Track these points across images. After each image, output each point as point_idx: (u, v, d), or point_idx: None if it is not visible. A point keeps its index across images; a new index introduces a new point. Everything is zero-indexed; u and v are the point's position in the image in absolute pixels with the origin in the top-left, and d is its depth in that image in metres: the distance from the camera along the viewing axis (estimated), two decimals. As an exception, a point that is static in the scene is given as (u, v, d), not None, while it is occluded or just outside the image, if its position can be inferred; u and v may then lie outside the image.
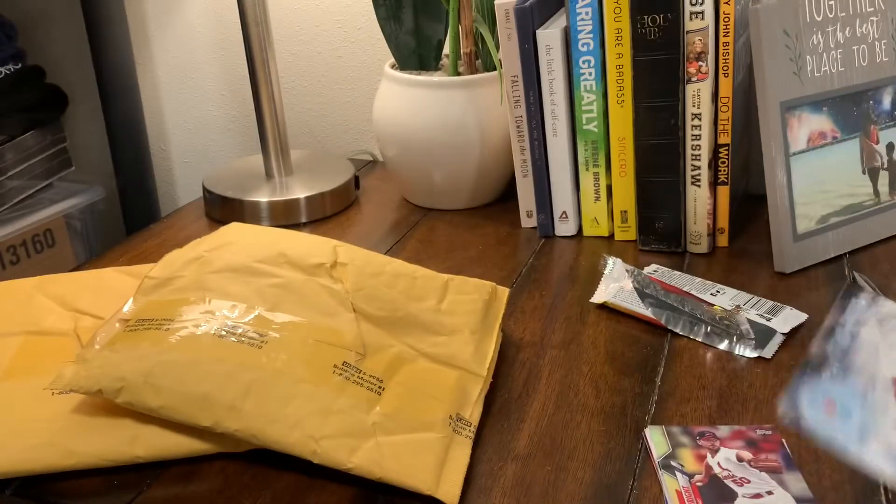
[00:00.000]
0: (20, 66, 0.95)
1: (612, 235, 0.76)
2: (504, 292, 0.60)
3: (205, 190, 0.85)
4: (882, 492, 0.44)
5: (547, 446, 0.48)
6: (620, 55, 0.69)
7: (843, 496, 0.44)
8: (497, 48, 0.74)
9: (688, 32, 0.66)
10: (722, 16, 0.65)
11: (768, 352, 0.56)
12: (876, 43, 0.68)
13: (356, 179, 0.88)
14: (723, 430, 0.48)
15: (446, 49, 0.82)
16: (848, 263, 0.68)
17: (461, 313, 0.56)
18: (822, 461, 0.46)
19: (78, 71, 1.08)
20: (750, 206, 0.80)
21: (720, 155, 0.70)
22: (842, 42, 0.67)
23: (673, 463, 0.46)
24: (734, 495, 0.43)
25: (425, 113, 0.78)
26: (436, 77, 0.79)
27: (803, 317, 0.60)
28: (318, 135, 1.05)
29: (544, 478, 0.46)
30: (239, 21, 0.83)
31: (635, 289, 0.63)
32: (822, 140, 0.68)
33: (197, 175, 1.12)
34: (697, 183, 0.70)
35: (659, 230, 0.72)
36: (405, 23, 0.82)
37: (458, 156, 0.79)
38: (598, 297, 0.64)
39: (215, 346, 0.48)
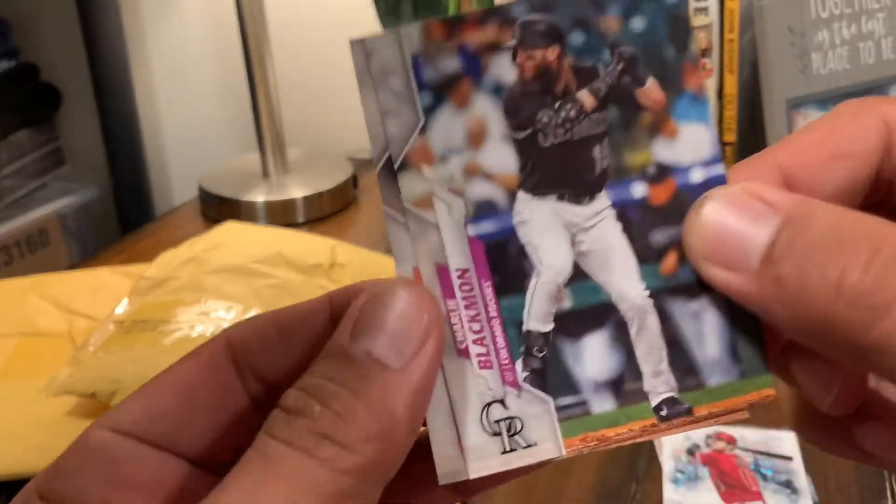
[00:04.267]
0: (14, 63, 0.94)
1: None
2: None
3: (200, 189, 0.85)
4: (889, 495, 0.44)
5: (549, 450, 0.48)
6: (622, 52, 0.68)
7: (849, 499, 0.44)
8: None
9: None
10: (727, 12, 0.65)
11: (773, 353, 0.56)
12: (882, 40, 0.68)
13: (355, 178, 0.87)
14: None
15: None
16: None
17: (462, 314, 0.55)
18: (828, 463, 0.46)
19: (72, 69, 1.07)
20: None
21: (725, 153, 0.69)
22: (847, 39, 0.66)
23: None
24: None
25: (424, 111, 0.77)
26: (435, 74, 0.78)
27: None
28: (315, 133, 1.04)
29: (546, 481, 0.45)
30: (235, 17, 0.82)
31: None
32: (826, 138, 0.67)
33: (193, 174, 1.11)
34: (700, 182, 0.69)
35: (661, 229, 0.71)
36: (405, 17, 0.81)
37: (458, 154, 0.78)
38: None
39: (211, 348, 0.48)
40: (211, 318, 0.50)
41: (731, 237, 0.17)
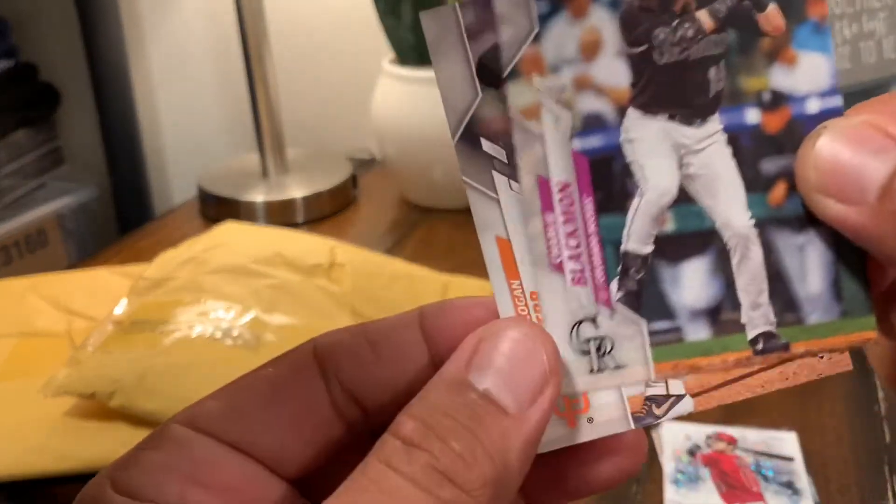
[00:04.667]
0: (13, 63, 0.94)
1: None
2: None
3: (200, 189, 0.84)
4: (890, 496, 0.44)
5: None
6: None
7: (850, 499, 0.43)
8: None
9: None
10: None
11: (774, 353, 0.55)
12: (883, 39, 0.67)
13: (354, 178, 0.87)
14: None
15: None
16: (853, 263, 0.67)
17: (462, 314, 0.55)
18: (830, 465, 0.46)
19: (71, 68, 1.06)
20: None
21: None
22: (848, 38, 0.66)
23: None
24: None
25: (425, 109, 0.77)
26: (435, 74, 0.78)
27: (809, 318, 0.59)
28: (314, 132, 1.04)
29: (547, 483, 0.45)
30: (235, 17, 0.82)
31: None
32: (827, 138, 0.67)
33: (192, 173, 1.11)
34: (701, 181, 0.69)
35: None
36: (404, 17, 0.81)
37: (458, 154, 0.78)
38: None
39: (210, 348, 0.47)
40: (210, 318, 0.49)
41: (847, 169, 0.16)
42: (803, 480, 0.44)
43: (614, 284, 0.18)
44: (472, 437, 0.16)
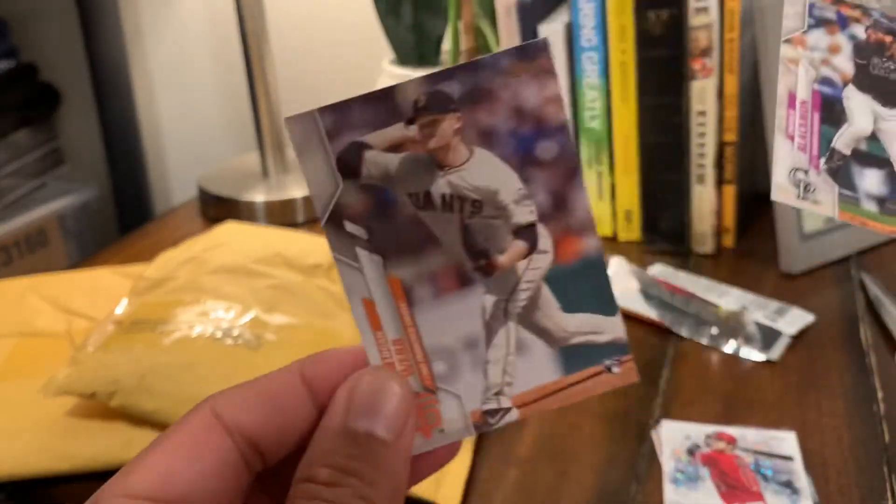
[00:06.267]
0: (13, 63, 0.94)
1: (615, 235, 0.75)
2: (505, 293, 0.59)
3: (200, 189, 0.84)
4: (889, 496, 0.44)
5: (549, 450, 0.48)
6: (624, 51, 0.68)
7: (850, 499, 0.43)
8: (498, 44, 0.73)
9: (692, 28, 0.65)
10: (727, 12, 0.64)
11: (775, 354, 0.55)
12: (883, 39, 0.67)
13: (354, 178, 0.87)
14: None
15: (446, 44, 0.81)
16: (855, 264, 0.67)
17: (462, 314, 0.55)
18: (829, 465, 0.46)
19: (71, 68, 1.06)
20: (758, 205, 0.79)
21: (725, 153, 0.69)
22: (848, 38, 0.66)
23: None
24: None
25: (424, 110, 0.77)
26: (435, 74, 0.77)
27: (810, 318, 0.59)
28: (315, 133, 1.04)
29: (546, 482, 0.45)
30: (235, 16, 0.82)
31: (639, 290, 0.62)
32: (827, 138, 0.67)
33: (192, 174, 1.11)
34: (702, 181, 0.69)
35: (663, 230, 0.71)
36: (405, 17, 0.81)
37: (458, 154, 0.78)
38: (601, 297, 0.63)
39: (210, 348, 0.47)
40: (210, 318, 0.49)
41: None
42: (803, 480, 0.44)
43: (823, 160, 0.29)
44: (373, 469, 0.21)
